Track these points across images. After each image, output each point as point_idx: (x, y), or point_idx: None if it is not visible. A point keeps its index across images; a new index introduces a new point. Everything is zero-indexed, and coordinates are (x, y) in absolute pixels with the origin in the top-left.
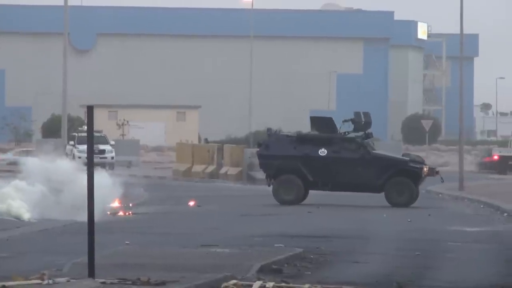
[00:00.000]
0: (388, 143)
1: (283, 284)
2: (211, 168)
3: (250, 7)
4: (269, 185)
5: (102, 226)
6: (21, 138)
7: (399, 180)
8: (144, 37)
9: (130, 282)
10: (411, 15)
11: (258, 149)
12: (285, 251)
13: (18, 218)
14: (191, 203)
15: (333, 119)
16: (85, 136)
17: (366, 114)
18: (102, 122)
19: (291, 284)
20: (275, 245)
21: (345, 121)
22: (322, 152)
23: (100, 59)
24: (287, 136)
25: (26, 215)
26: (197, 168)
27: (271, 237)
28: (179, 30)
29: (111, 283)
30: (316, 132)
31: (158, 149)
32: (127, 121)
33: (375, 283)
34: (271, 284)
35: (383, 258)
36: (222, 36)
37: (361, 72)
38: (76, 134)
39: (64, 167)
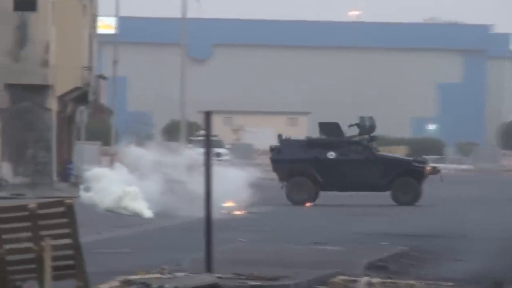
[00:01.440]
0: (485, 148)
1: (388, 280)
2: None
3: (355, 19)
4: (282, 188)
5: (218, 223)
6: (142, 141)
7: (404, 179)
8: (257, 48)
9: (244, 277)
10: (507, 28)
11: (270, 155)
12: (390, 249)
13: (140, 216)
14: (308, 204)
15: (339, 124)
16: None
17: (370, 119)
18: (218, 127)
19: (396, 280)
20: (381, 243)
21: (351, 125)
22: (331, 155)
23: (216, 68)
24: (297, 141)
25: (148, 213)
26: None
27: (376, 235)
28: (290, 41)
29: (227, 278)
30: (324, 137)
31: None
32: (242, 126)
33: (474, 280)
34: (377, 280)
35: (481, 256)
36: (331, 47)
37: (461, 81)
38: (194, 138)
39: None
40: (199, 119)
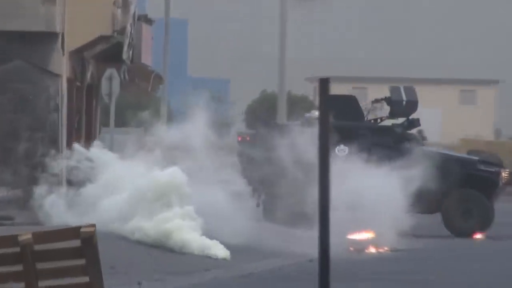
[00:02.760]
0: None
1: None
2: None
3: None
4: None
5: (340, 268)
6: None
7: (465, 192)
8: None
9: None
10: None
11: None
12: None
13: (205, 253)
14: (479, 236)
15: (357, 99)
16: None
17: (409, 90)
18: None
19: None
20: None
21: (376, 101)
22: (341, 150)
23: (336, 11)
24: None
25: (219, 250)
26: None
27: None
28: None
29: None
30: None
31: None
32: (382, 105)
33: None
34: None
35: None
36: None
37: None
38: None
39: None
40: (310, 91)
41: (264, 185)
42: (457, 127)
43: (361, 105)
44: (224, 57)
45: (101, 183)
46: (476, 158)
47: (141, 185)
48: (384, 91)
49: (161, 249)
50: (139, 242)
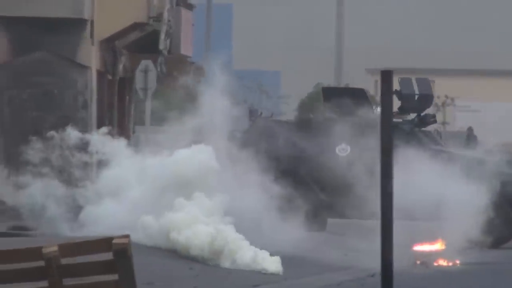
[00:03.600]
0: None
1: None
2: None
3: None
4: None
5: (405, 284)
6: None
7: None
8: None
9: None
10: None
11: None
12: None
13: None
14: None
15: (366, 91)
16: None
17: (423, 82)
18: None
19: None
20: None
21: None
22: (343, 150)
23: None
24: (280, 122)
25: (274, 266)
26: None
27: None
28: None
29: None
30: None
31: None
32: (451, 99)
33: None
34: None
35: None
36: None
37: None
38: None
39: None
40: (371, 85)
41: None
42: None
43: (370, 99)
44: (274, 47)
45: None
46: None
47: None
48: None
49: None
50: (179, 255)
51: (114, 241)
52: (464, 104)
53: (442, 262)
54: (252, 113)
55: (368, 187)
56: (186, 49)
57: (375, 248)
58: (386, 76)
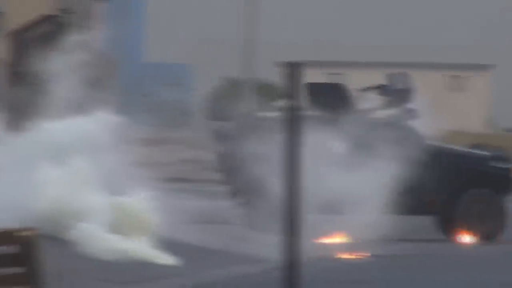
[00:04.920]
0: None
1: None
2: None
3: None
4: None
5: (310, 276)
6: (173, 120)
7: (479, 193)
8: None
9: None
10: None
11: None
12: None
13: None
14: (463, 239)
15: (346, 87)
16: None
17: (404, 76)
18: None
19: None
20: None
21: (368, 89)
22: (338, 146)
23: None
24: (258, 118)
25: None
26: None
27: None
28: None
29: None
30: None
31: None
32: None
33: None
34: None
35: None
36: None
37: None
38: (269, 115)
39: None
40: (279, 78)
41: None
42: (445, 116)
43: (350, 94)
44: (185, 40)
45: None
46: (488, 153)
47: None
48: (363, 77)
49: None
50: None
51: (20, 233)
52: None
53: (349, 254)
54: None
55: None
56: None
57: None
58: (293, 69)
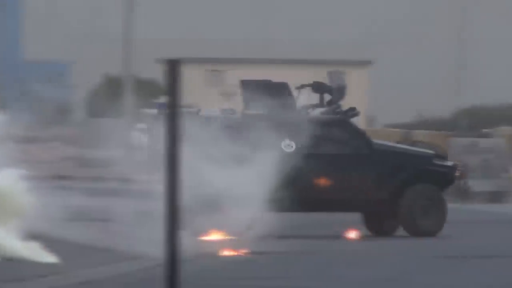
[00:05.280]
0: None
1: None
2: None
3: None
4: None
5: (190, 274)
6: (52, 118)
7: (422, 189)
8: None
9: None
10: None
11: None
12: None
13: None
14: (352, 235)
15: (288, 85)
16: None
17: (336, 75)
18: (197, 89)
19: None
20: None
21: (302, 86)
22: (288, 146)
23: None
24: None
25: (47, 257)
26: None
27: None
28: None
29: None
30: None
31: None
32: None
33: None
34: None
35: None
36: None
37: None
38: (149, 111)
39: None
40: (161, 75)
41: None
42: None
43: (290, 92)
44: (65, 37)
45: None
46: (430, 152)
47: None
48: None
49: None
50: None
51: None
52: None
53: (230, 252)
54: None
55: None
56: None
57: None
58: (173, 65)
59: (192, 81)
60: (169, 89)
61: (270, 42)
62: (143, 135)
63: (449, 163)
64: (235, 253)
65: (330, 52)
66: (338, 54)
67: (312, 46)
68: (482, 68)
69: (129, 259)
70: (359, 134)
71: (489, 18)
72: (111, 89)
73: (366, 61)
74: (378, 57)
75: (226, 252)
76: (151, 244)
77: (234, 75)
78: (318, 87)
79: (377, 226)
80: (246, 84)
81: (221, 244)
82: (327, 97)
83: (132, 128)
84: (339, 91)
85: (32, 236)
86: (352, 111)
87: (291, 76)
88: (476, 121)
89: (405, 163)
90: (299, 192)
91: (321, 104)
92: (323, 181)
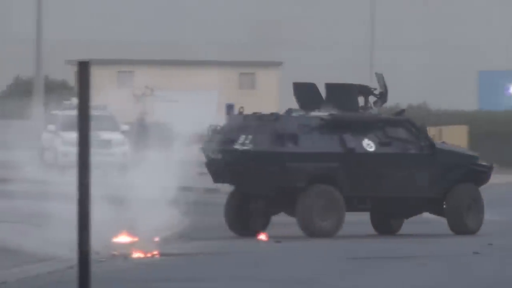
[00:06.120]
0: None
1: None
2: None
3: None
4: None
5: (102, 276)
6: None
7: (467, 188)
8: None
9: None
10: None
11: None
12: None
13: None
14: (262, 237)
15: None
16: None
17: (380, 77)
18: (107, 90)
19: None
20: None
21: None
22: (369, 145)
23: None
24: (311, 117)
25: None
26: None
27: None
28: None
29: None
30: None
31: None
32: (151, 90)
33: None
34: None
35: None
36: None
37: None
38: (60, 113)
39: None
40: (71, 76)
41: None
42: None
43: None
44: None
45: None
46: (474, 154)
47: None
48: (154, 78)
49: None
50: None
51: None
52: (163, 94)
53: (141, 254)
54: (229, 108)
55: None
56: None
57: (74, 239)
58: (83, 67)
59: (103, 82)
60: (79, 90)
61: (181, 43)
62: (53, 136)
63: (486, 163)
64: (146, 255)
65: (240, 53)
66: (248, 55)
67: (222, 48)
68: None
69: (40, 261)
70: (424, 134)
71: (398, 21)
72: (21, 91)
73: (276, 62)
74: (289, 58)
75: (137, 254)
76: (62, 246)
77: (144, 77)
78: (363, 90)
79: (384, 226)
80: (297, 86)
81: (132, 246)
82: (372, 99)
83: (43, 129)
84: (385, 93)
85: None
86: (401, 113)
87: (201, 77)
88: None
89: (460, 163)
90: (383, 192)
91: (366, 107)
92: (397, 180)
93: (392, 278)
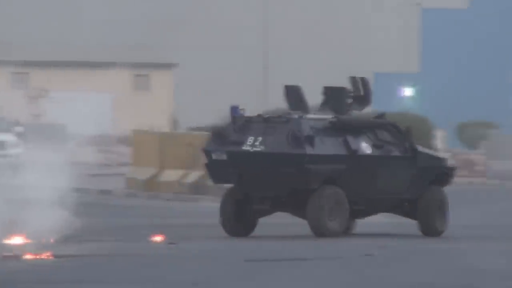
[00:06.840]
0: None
1: None
2: (194, 175)
3: None
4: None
5: None
6: None
7: (437, 190)
8: None
9: None
10: None
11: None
12: None
13: None
14: (157, 238)
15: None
16: None
17: (364, 81)
18: (2, 91)
19: None
20: None
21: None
22: (367, 147)
23: None
24: (322, 120)
25: None
26: (170, 175)
27: None
28: None
29: None
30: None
31: (99, 142)
32: (45, 91)
33: None
34: None
35: None
36: None
37: (465, 7)
38: None
39: None
40: None
41: None
42: (130, 116)
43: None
44: None
45: None
46: (442, 155)
47: None
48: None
49: None
50: None
51: None
52: (57, 96)
53: (32, 255)
54: (234, 110)
55: None
56: None
57: None
58: None
59: None
60: None
61: (76, 44)
62: None
63: (451, 165)
64: (39, 257)
65: (135, 55)
66: (143, 57)
67: (118, 49)
68: (285, 71)
69: None
70: (408, 138)
71: (292, 24)
72: None
73: (171, 64)
74: (183, 60)
75: (29, 256)
76: None
77: (39, 78)
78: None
79: (434, 226)
80: (290, 89)
81: (24, 247)
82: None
83: None
84: (367, 98)
85: None
86: (382, 117)
87: (96, 78)
88: None
89: (435, 166)
90: (375, 193)
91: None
92: (388, 182)
93: (282, 282)
